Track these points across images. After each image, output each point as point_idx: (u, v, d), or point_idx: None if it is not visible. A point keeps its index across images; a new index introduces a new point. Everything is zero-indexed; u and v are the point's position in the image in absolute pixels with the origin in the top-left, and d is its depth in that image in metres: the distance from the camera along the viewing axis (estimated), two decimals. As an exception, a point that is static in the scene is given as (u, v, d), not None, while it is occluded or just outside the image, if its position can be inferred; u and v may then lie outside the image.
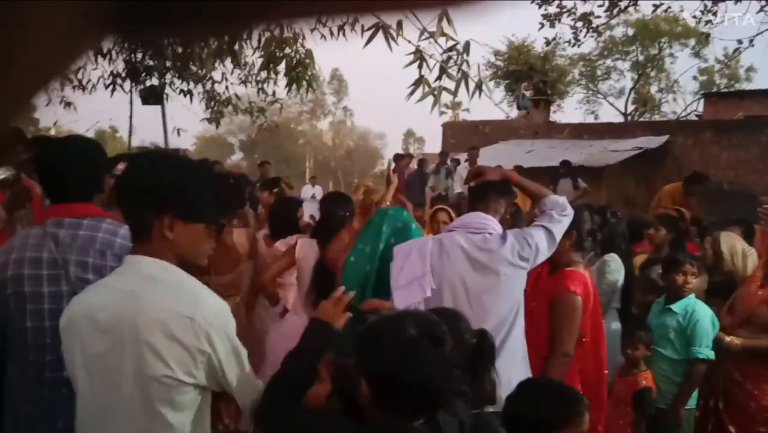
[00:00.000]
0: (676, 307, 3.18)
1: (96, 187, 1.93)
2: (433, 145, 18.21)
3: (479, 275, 2.27)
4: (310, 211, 5.52)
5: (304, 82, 5.09)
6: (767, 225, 3.40)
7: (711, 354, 3.04)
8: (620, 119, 23.52)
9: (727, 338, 2.98)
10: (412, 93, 3.39)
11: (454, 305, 2.19)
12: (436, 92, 3.30)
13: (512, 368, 2.16)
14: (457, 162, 10.94)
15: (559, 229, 2.34)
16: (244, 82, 7.16)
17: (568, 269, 2.60)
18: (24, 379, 1.77)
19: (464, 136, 16.02)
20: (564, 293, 2.52)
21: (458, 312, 1.94)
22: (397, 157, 10.76)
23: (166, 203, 1.40)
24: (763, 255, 3.37)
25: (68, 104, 8.22)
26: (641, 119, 23.95)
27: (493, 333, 2.23)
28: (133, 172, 1.46)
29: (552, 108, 20.07)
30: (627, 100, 25.46)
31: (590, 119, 25.66)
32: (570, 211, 2.38)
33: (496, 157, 12.21)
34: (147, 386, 1.36)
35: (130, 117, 10.44)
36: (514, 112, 20.26)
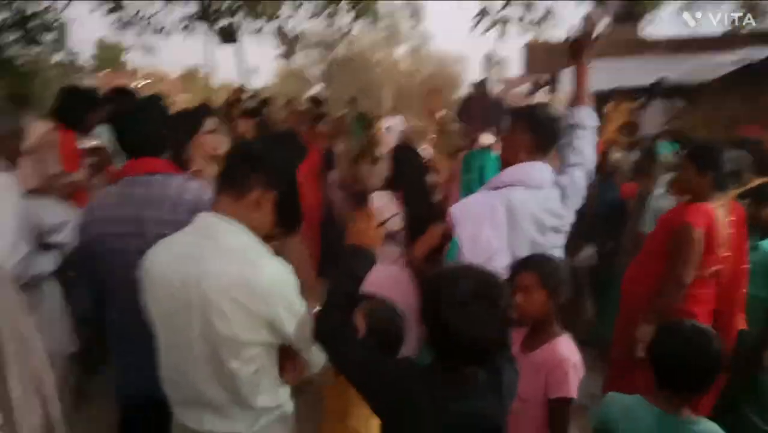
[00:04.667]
0: (764, 243, 2.95)
1: (166, 144, 2.04)
2: (517, 67, 17.36)
3: (548, 237, 2.24)
4: (391, 143, 5.46)
5: (371, 13, 4.94)
6: None
7: None
8: (722, 30, 21.38)
9: None
10: (476, 25, 3.22)
11: None
12: (501, 21, 3.10)
13: None
14: (538, 85, 10.21)
15: (589, 167, 2.35)
16: (314, 16, 7.07)
17: (693, 203, 2.71)
18: (125, 325, 1.91)
19: (547, 57, 15.15)
20: (681, 223, 2.65)
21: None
22: (476, 85, 10.34)
23: (280, 183, 1.54)
24: None
25: (148, 49, 8.50)
26: (747, 28, 21.65)
27: None
28: (263, 148, 1.57)
29: (643, 21, 18.52)
30: (731, 8, 23.02)
31: (688, 32, 23.53)
32: (590, 127, 2.37)
33: (581, 79, 11.48)
34: (215, 344, 1.45)
35: (209, 58, 10.66)
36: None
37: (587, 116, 2.36)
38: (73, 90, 3.64)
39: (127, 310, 1.88)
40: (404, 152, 3.26)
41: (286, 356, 1.59)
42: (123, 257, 1.85)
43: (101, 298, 1.98)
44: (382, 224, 1.65)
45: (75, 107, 3.46)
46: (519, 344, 2.04)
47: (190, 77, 31.29)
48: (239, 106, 6.20)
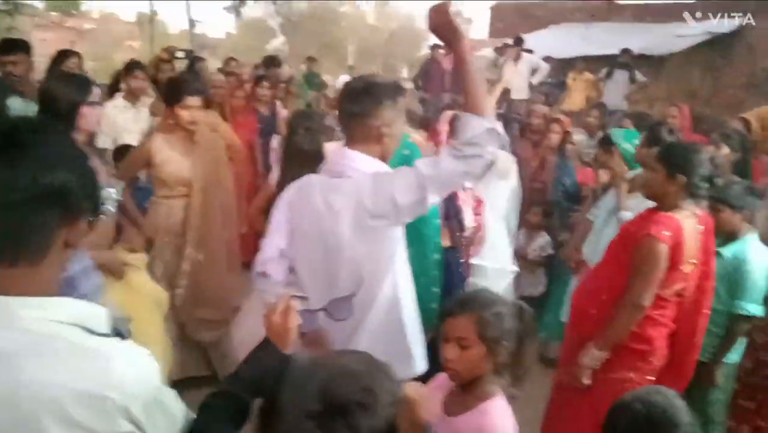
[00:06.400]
0: (725, 250, 2.68)
1: None
2: (483, 28, 16.81)
3: (327, 237, 1.86)
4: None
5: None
6: None
7: (757, 311, 2.61)
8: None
9: None
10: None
11: (308, 275, 1.93)
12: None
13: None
14: (503, 49, 9.68)
15: (443, 181, 1.73)
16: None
17: (659, 213, 2.35)
18: None
19: (513, 19, 14.68)
20: (644, 236, 2.29)
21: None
22: (435, 47, 9.88)
23: (81, 204, 1.00)
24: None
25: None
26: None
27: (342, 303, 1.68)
28: (25, 168, 0.93)
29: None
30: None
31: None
32: (486, 151, 1.68)
33: (545, 44, 11.11)
34: None
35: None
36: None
37: (477, 129, 1.66)
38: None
39: None
40: (298, 119, 2.99)
41: None
42: None
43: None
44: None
45: None
46: (441, 403, 1.64)
47: (145, 23, 29.55)
48: (165, 68, 5.51)
